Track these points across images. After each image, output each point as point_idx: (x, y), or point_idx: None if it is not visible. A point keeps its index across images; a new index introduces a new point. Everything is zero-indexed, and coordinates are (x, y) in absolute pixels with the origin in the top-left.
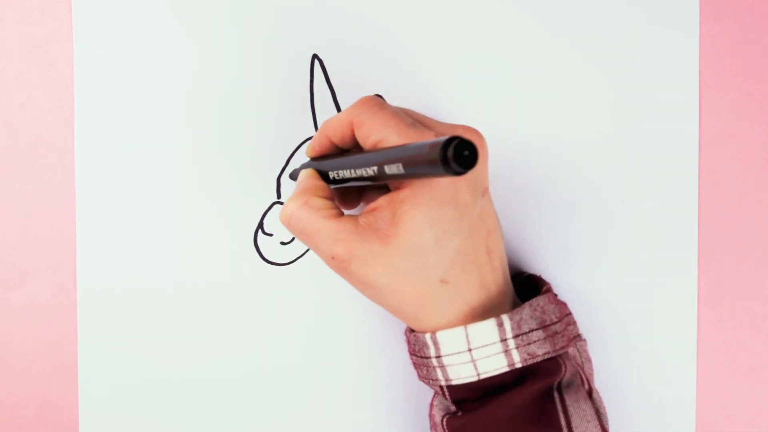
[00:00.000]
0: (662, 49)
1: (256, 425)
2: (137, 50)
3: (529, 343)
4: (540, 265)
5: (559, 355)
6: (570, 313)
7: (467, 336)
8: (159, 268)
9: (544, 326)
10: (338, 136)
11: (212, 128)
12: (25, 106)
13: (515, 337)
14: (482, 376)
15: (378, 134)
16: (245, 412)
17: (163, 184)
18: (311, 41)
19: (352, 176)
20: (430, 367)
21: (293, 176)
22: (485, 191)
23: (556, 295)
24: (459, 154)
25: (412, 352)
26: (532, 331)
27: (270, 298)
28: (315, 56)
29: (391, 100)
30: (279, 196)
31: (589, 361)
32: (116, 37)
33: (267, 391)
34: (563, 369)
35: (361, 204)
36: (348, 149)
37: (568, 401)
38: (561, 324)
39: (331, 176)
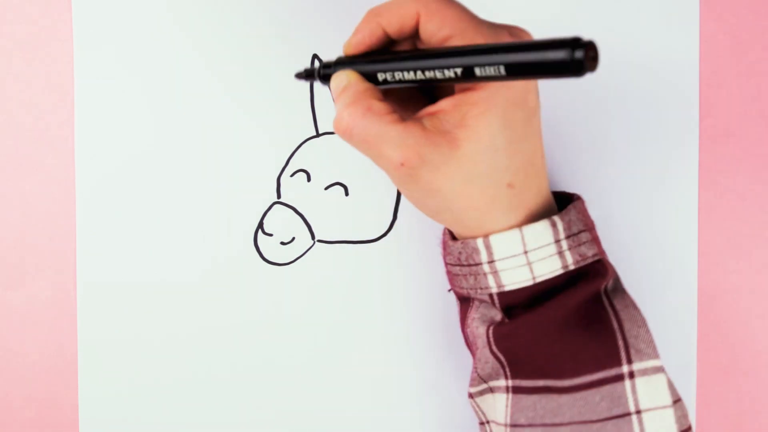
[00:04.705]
0: (662, 49)
1: (256, 425)
2: (137, 50)
3: (579, 244)
4: None
5: (604, 258)
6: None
7: (523, 237)
8: (159, 269)
9: (588, 228)
10: (395, 25)
11: (212, 128)
12: (25, 106)
13: (567, 237)
14: (538, 280)
15: (451, 28)
16: (245, 412)
17: (163, 184)
18: (311, 41)
19: (417, 78)
20: (479, 274)
21: (304, 76)
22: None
23: None
24: (589, 56)
25: (456, 262)
26: (580, 232)
27: (270, 298)
28: (315, 56)
29: None
30: (279, 196)
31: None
32: (116, 36)
33: (267, 391)
34: (609, 272)
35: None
36: (395, 43)
37: (618, 306)
38: (595, 231)
39: (380, 78)
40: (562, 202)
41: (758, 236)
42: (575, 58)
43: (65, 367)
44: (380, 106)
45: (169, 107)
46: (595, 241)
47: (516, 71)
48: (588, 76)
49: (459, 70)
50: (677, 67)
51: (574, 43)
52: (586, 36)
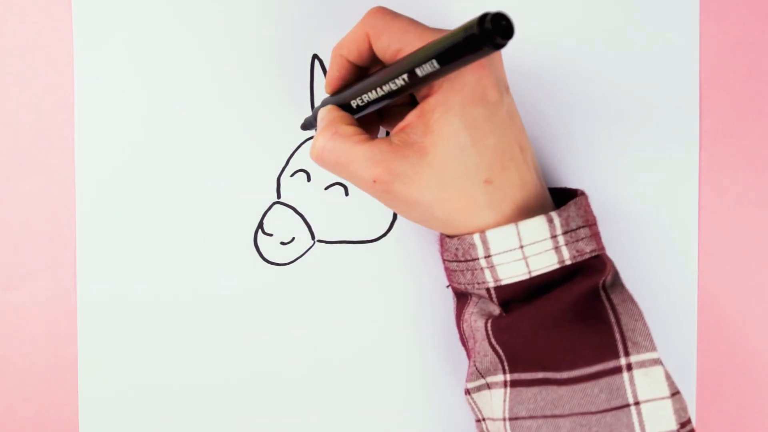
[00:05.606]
0: (662, 49)
1: (256, 424)
2: (137, 50)
3: (577, 240)
4: None
5: (603, 254)
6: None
7: (519, 233)
8: (159, 269)
9: (589, 225)
10: (354, 53)
11: (212, 128)
12: (25, 106)
13: (564, 233)
14: (533, 274)
15: (398, 41)
16: (245, 412)
17: (163, 184)
18: (311, 41)
19: (379, 96)
20: (476, 269)
21: (307, 125)
22: (507, 89)
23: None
24: (498, 25)
25: (453, 258)
26: (579, 228)
27: (270, 298)
28: (315, 56)
29: None
30: (279, 196)
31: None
32: (116, 36)
33: (267, 391)
34: (608, 267)
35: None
36: (365, 69)
37: (615, 300)
38: (596, 227)
39: (354, 105)
40: (567, 198)
41: (758, 236)
42: (485, 28)
43: (65, 368)
44: (347, 129)
45: (169, 107)
46: (595, 237)
47: (446, 60)
48: (589, 77)
49: (405, 76)
50: (677, 67)
51: (483, 17)
52: (585, 36)
